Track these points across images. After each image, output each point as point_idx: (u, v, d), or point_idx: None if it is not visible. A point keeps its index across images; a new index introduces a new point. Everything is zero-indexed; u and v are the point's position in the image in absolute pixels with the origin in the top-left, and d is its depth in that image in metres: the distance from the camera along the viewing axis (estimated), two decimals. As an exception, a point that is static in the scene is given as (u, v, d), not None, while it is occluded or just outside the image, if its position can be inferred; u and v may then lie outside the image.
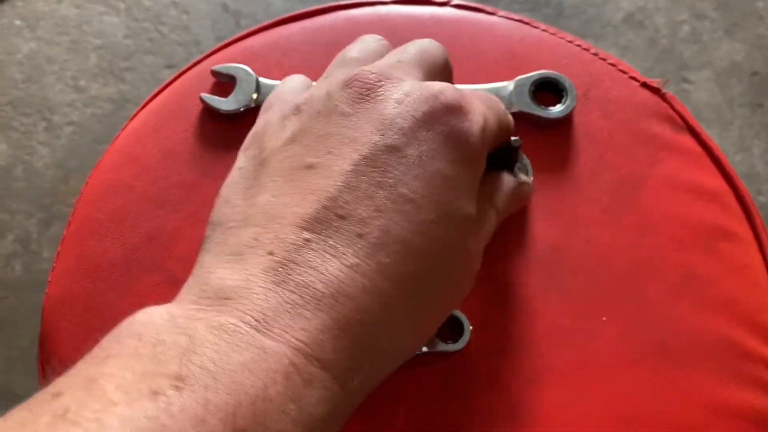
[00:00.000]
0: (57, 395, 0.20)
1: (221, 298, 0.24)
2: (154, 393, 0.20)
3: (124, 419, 0.19)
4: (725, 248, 0.42)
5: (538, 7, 1.08)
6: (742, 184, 0.45)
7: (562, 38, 0.48)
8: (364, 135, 0.28)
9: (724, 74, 1.05)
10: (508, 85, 0.45)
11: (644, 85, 0.46)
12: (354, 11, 0.50)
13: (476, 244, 0.32)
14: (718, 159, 0.45)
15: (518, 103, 0.44)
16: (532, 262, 0.42)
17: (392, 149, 0.27)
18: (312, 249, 0.25)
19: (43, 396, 0.21)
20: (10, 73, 1.07)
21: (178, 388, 0.20)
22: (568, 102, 0.44)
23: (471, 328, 0.39)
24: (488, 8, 0.50)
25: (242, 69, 0.46)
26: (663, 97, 0.46)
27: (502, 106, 0.36)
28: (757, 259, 0.43)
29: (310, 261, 0.25)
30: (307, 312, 0.24)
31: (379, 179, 0.27)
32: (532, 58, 0.47)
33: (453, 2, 0.50)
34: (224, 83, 0.46)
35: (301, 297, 0.24)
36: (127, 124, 0.48)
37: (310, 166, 0.27)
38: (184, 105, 0.47)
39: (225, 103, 0.45)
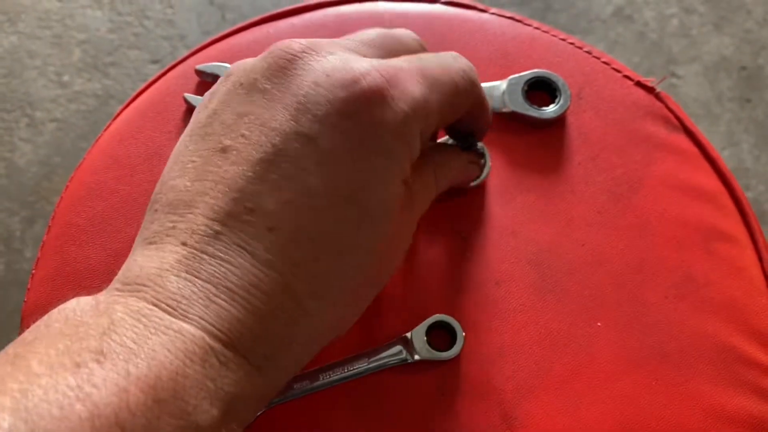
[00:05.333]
0: None
1: (138, 284, 0.25)
2: (77, 365, 0.21)
3: (48, 388, 0.20)
4: (722, 250, 0.42)
5: (526, 1, 1.07)
6: (738, 184, 0.44)
7: (554, 36, 0.47)
8: (277, 119, 0.26)
9: (712, 69, 1.04)
10: (501, 85, 0.44)
11: (638, 83, 0.46)
12: (343, 8, 0.49)
13: (404, 226, 0.30)
14: (713, 159, 0.44)
15: (511, 102, 0.43)
16: (525, 265, 0.41)
17: (305, 139, 0.26)
18: (223, 242, 0.25)
19: None
20: (-10, 68, 1.05)
21: (99, 362, 0.21)
22: (561, 102, 0.43)
23: (464, 334, 0.38)
24: (479, 5, 0.48)
25: (227, 68, 0.44)
26: (657, 96, 0.45)
27: (460, 79, 0.32)
28: (753, 261, 0.42)
29: (222, 254, 0.25)
30: (221, 302, 0.24)
31: (289, 171, 0.26)
32: (524, 56, 0.46)
33: (443, -1, 0.49)
34: (209, 82, 0.45)
35: (215, 287, 0.24)
36: (109, 124, 0.46)
37: (224, 149, 0.27)
38: (168, 105, 0.45)
39: (210, 104, 0.44)
